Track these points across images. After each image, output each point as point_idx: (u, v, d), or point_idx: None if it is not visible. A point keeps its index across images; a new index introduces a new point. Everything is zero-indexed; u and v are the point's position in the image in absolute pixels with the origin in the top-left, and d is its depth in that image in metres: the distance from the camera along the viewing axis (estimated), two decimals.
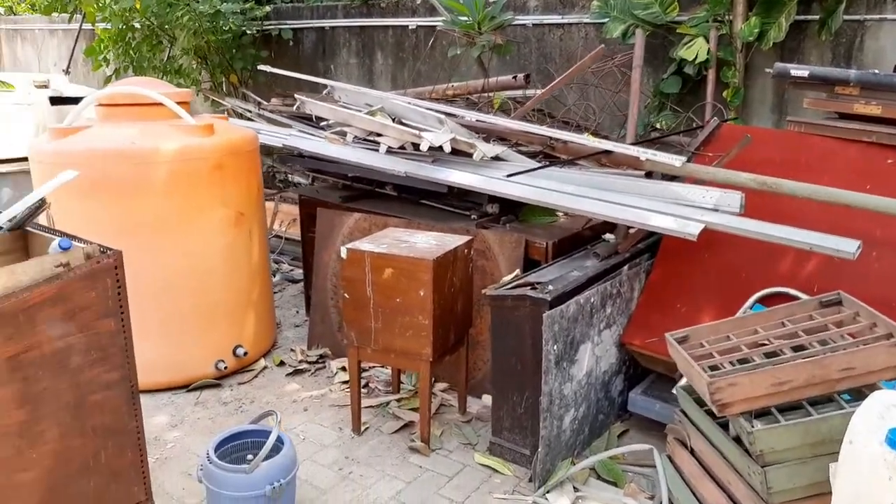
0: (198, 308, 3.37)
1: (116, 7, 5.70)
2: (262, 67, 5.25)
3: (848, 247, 2.38)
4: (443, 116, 3.37)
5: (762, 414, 1.94)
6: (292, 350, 3.90)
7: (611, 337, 2.93)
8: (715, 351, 2.11)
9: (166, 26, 6.28)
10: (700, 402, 2.21)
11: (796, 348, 2.03)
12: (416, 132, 3.24)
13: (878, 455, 1.54)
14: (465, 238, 3.00)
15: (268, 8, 6.54)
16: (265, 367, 3.72)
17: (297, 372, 3.67)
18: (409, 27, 6.27)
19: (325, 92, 4.43)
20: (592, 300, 2.74)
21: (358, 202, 3.93)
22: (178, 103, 3.34)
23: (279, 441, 2.40)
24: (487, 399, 3.30)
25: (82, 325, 1.96)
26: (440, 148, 3.31)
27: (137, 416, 2.15)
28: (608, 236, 3.35)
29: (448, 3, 5.10)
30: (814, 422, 1.83)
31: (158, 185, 3.16)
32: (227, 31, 6.12)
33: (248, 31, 6.47)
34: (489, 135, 3.60)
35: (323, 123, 4.58)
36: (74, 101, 4.47)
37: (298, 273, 5.22)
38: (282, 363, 3.77)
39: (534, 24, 5.46)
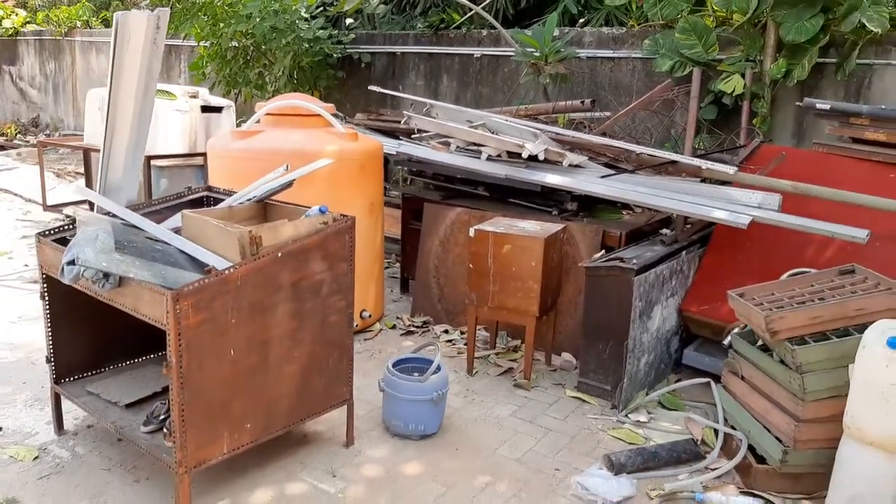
0: None
1: (229, 31, 6.63)
2: (372, 88, 6.15)
3: (859, 234, 3.25)
4: (538, 131, 4.26)
5: (799, 342, 2.80)
6: (399, 318, 4.76)
7: (673, 304, 3.81)
8: (764, 301, 2.97)
9: (263, 47, 7.23)
10: (752, 341, 3.08)
11: (822, 299, 2.89)
12: (520, 142, 4.13)
13: (881, 353, 2.41)
14: (562, 225, 3.88)
15: (353, 35, 7.48)
16: (381, 329, 4.58)
17: (408, 333, 4.54)
18: (475, 55, 7.20)
19: (424, 110, 5.33)
20: (664, 272, 3.62)
21: (454, 200, 4.81)
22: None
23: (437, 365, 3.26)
24: (567, 355, 4.16)
25: (330, 266, 2.83)
26: (535, 157, 4.20)
27: (351, 336, 3.02)
28: (665, 231, 4.24)
29: (520, 38, 6.02)
30: (836, 343, 2.70)
31: (321, 178, 4.03)
32: (318, 53, 7.05)
33: (333, 55, 7.40)
34: (571, 147, 4.49)
35: (415, 136, 5.49)
36: (217, 109, 5.39)
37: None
38: (394, 327, 4.63)
39: (588, 57, 6.38)
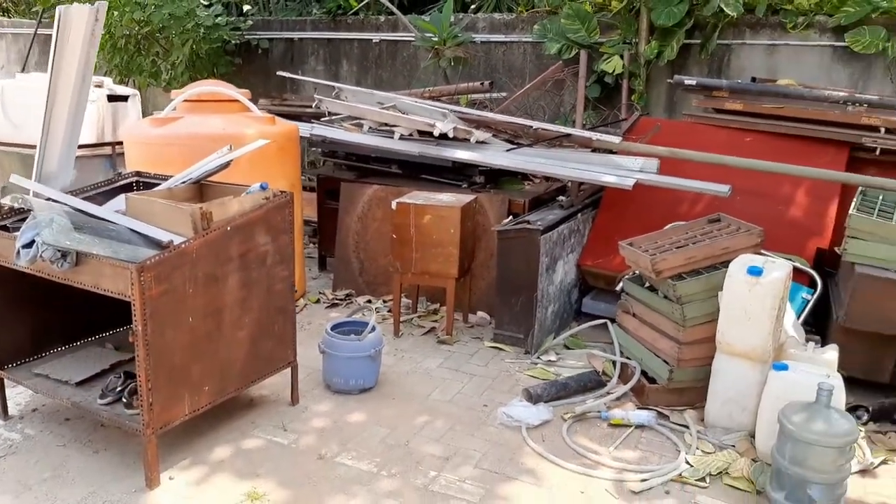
0: None
1: (123, 19, 6.55)
2: (281, 73, 6.28)
3: (723, 189, 3.86)
4: (446, 110, 4.63)
5: (678, 279, 3.34)
6: (321, 293, 5.02)
7: (573, 259, 4.31)
8: (650, 248, 3.50)
9: (158, 35, 7.16)
10: (641, 283, 3.61)
11: (696, 243, 3.46)
12: (430, 122, 4.48)
13: (743, 280, 2.98)
14: (473, 196, 4.28)
15: (251, 21, 7.54)
16: (306, 305, 4.83)
17: (332, 305, 4.82)
18: (374, 41, 7.45)
19: (333, 94, 5.56)
20: (564, 232, 4.11)
21: (369, 178, 5.11)
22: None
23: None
24: (481, 313, 4.58)
25: (273, 238, 3.08)
26: (445, 135, 4.57)
27: (293, 303, 3.28)
28: (562, 197, 4.74)
29: (419, 24, 6.35)
30: (708, 277, 3.26)
31: (243, 161, 4.21)
32: (216, 40, 7.08)
33: (231, 41, 7.44)
34: (477, 125, 4.89)
35: (324, 119, 5.71)
36: (123, 98, 5.39)
37: None
38: (318, 301, 4.90)
39: (482, 42, 6.80)
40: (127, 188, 3.58)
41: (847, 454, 2.57)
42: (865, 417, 3.21)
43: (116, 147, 5.19)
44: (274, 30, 7.99)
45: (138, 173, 3.66)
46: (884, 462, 2.99)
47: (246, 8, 7.71)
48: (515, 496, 2.75)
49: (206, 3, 6.93)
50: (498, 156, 4.40)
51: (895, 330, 3.26)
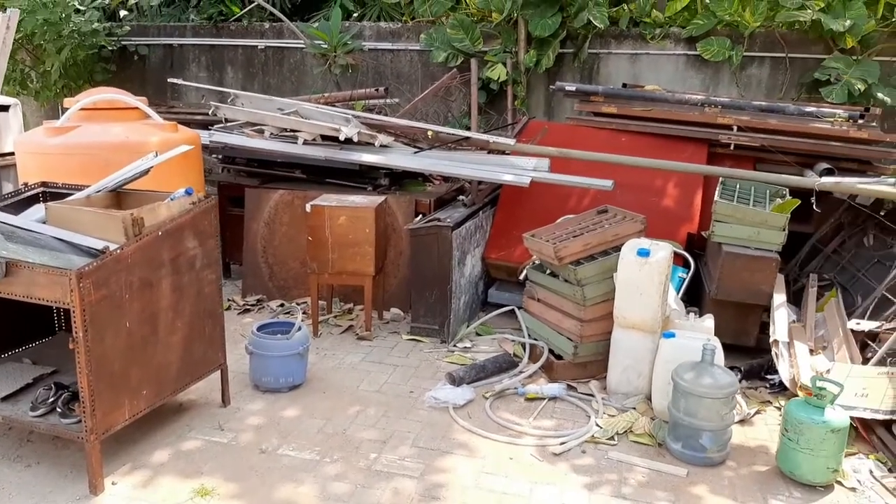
0: None
1: None
2: (172, 80, 6.14)
3: (607, 183, 4.33)
4: (349, 115, 4.81)
5: (577, 264, 3.74)
6: (231, 300, 5.03)
7: (479, 253, 4.64)
8: (550, 238, 3.88)
9: (25, 44, 6.78)
10: (542, 271, 3.99)
11: (590, 231, 3.88)
12: (335, 126, 4.65)
13: (634, 261, 3.41)
14: (384, 197, 4.50)
15: (127, 27, 7.30)
16: None
17: (245, 311, 4.85)
18: (259, 47, 7.46)
19: (229, 100, 5.56)
20: (471, 228, 4.42)
21: (273, 184, 5.18)
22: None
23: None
24: (395, 310, 4.81)
25: (201, 242, 3.15)
26: (350, 139, 4.75)
27: (221, 306, 3.35)
28: (462, 197, 5.06)
29: (310, 31, 6.46)
30: (603, 260, 3.69)
31: None
32: (93, 46, 6.81)
33: (108, 47, 7.17)
34: (378, 129, 5.10)
35: (219, 126, 5.70)
36: (4, 108, 5.10)
37: None
38: (229, 308, 4.90)
39: (370, 49, 7.02)
40: (34, 199, 3.49)
41: (730, 404, 3.05)
42: (739, 376, 3.75)
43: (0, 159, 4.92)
44: (151, 36, 7.77)
45: (44, 184, 3.56)
46: (758, 412, 3.53)
47: (122, 13, 7.44)
48: (452, 468, 3.00)
49: (80, 7, 6.64)
50: (405, 158, 4.64)
51: (758, 299, 3.84)
